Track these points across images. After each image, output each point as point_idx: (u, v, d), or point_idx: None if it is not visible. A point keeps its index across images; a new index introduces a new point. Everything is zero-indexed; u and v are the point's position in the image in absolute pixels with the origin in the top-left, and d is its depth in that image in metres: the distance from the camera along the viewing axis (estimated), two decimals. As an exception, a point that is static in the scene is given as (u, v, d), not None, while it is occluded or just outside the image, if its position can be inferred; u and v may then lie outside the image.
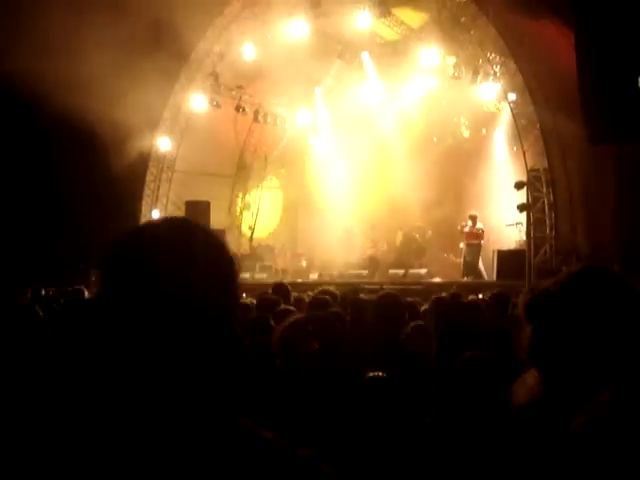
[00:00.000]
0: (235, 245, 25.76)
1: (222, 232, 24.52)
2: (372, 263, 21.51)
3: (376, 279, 20.13)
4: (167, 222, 1.54)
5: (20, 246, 19.23)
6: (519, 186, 18.14)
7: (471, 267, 19.65)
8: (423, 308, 6.91)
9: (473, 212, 20.16)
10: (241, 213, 26.13)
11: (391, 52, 21.62)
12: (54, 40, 16.06)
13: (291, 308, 5.76)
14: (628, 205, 12.30)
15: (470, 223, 19.99)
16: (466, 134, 22.90)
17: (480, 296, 11.64)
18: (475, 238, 19.83)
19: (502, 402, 2.29)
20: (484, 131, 22.60)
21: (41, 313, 5.02)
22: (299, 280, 21.00)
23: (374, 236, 22.33)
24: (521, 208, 18.01)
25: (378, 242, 22.31)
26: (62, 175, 18.76)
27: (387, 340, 5.12)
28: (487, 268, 19.66)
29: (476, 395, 3.42)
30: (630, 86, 8.17)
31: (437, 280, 19.65)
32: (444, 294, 8.21)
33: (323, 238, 23.26)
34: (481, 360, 3.66)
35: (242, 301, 7.21)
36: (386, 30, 21.05)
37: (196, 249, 1.41)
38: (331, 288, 8.06)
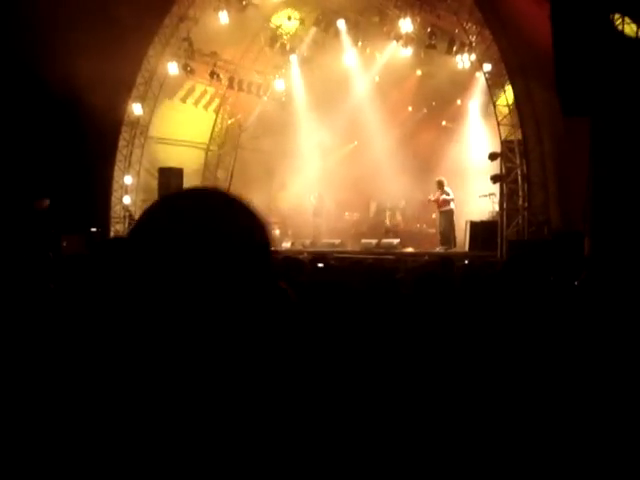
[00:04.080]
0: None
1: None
2: None
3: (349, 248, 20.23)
4: (195, 192, 1.54)
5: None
6: (493, 157, 18.18)
7: (446, 236, 19.69)
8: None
9: (438, 178, 20.10)
10: (214, 180, 25.98)
11: (367, 21, 21.48)
12: (27, 7, 15.80)
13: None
14: (600, 178, 12.35)
15: (438, 190, 19.98)
16: (441, 104, 22.88)
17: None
18: (444, 205, 19.83)
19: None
20: (459, 101, 22.60)
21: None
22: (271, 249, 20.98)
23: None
24: (494, 179, 18.06)
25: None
26: (33, 140, 18.51)
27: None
28: (459, 238, 19.72)
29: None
30: (605, 59, 8.18)
31: (410, 250, 19.73)
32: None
33: (296, 207, 23.24)
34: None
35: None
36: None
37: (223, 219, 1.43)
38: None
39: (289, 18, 22.26)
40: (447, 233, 19.67)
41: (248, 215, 1.49)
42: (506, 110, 17.99)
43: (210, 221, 1.39)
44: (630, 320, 1.84)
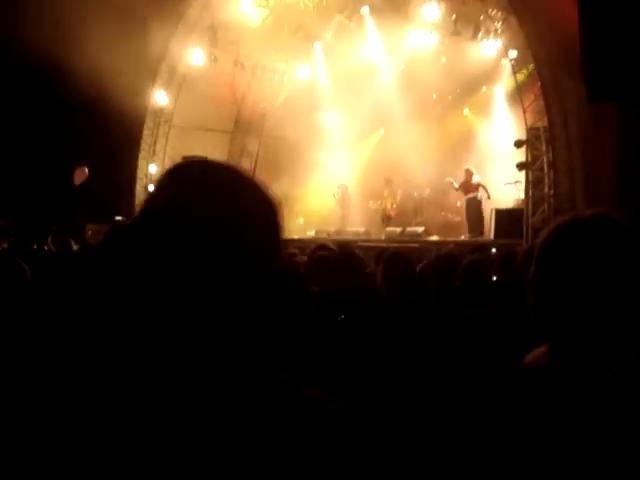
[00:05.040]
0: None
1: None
2: None
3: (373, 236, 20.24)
4: (203, 165, 1.45)
5: (16, 201, 19.13)
6: (519, 144, 18.04)
7: (473, 223, 19.62)
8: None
9: (467, 166, 20.10)
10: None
11: (391, 7, 21.33)
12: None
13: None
14: (628, 166, 12.20)
15: (465, 177, 20.01)
16: (466, 91, 22.69)
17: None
18: (470, 191, 19.81)
19: (509, 359, 2.24)
20: (484, 88, 22.41)
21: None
22: (296, 237, 20.97)
23: None
24: (520, 166, 17.92)
25: None
26: (59, 129, 18.60)
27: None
28: (485, 226, 19.65)
29: (482, 351, 3.38)
30: (633, 45, 8.05)
31: (434, 238, 19.65)
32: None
33: (320, 196, 23.20)
34: (485, 316, 3.62)
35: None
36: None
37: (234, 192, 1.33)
38: (329, 243, 8.10)
39: (311, 5, 22.15)
40: (473, 219, 19.59)
41: (263, 193, 1.40)
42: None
43: (226, 195, 1.29)
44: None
